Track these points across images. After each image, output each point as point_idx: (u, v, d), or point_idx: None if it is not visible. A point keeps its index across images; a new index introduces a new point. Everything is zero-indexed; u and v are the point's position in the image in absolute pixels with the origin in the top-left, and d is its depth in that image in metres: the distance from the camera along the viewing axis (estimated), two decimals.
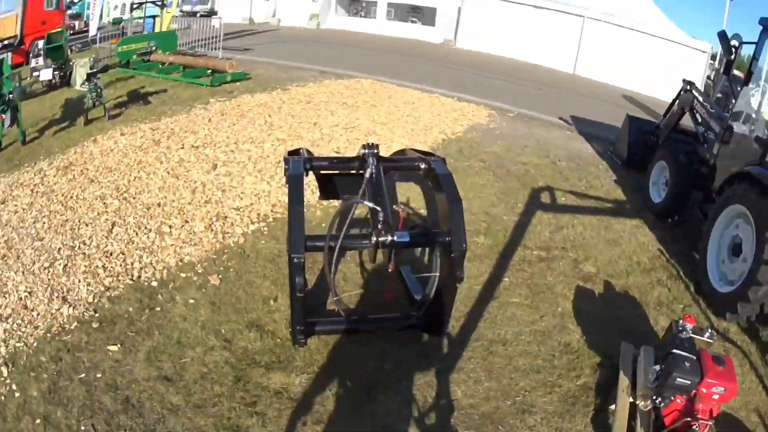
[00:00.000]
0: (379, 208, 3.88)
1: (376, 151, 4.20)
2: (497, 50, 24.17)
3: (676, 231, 7.24)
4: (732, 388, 3.64)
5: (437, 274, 4.37)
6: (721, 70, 8.66)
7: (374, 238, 3.86)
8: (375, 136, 9.14)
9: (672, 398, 3.68)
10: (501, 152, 8.68)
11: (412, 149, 5.31)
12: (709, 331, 4.06)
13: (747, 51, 7.13)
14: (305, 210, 3.83)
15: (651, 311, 5.42)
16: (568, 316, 5.04)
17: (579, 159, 9.30)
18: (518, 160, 8.55)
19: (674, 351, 3.66)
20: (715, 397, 3.65)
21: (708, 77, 18.98)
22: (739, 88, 6.71)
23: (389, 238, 3.84)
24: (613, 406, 4.02)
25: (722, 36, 6.72)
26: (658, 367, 3.75)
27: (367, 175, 4.10)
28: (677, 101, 8.22)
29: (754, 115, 6.32)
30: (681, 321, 3.98)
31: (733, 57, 6.78)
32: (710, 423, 3.67)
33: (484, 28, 25.18)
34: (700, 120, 7.48)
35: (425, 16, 29.66)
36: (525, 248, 6.09)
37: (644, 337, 4.83)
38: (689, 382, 3.57)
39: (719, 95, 8.13)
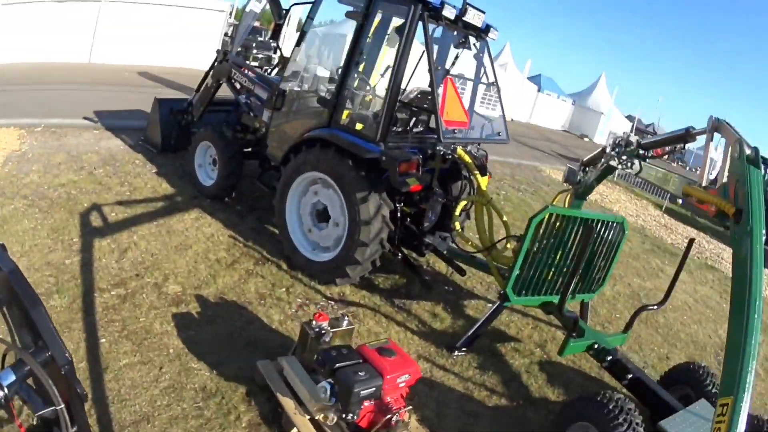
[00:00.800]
0: None
1: None
2: None
3: (239, 209, 7.11)
4: (413, 369, 3.86)
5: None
6: (269, 35, 8.78)
7: None
8: None
9: (361, 407, 3.67)
10: (39, 180, 7.08)
11: None
12: (345, 318, 4.19)
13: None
14: None
15: (259, 310, 5.18)
16: (185, 355, 4.37)
17: (113, 160, 8.27)
18: (57, 183, 7.13)
19: (338, 366, 3.66)
20: (402, 385, 3.80)
21: (225, 34, 19.43)
22: (276, 46, 6.83)
23: None
24: (295, 430, 3.76)
25: (273, 1, 6.84)
26: (327, 385, 3.64)
27: None
28: (211, 73, 7.99)
29: (309, 76, 6.47)
30: (314, 323, 3.96)
31: (281, 22, 7.00)
32: (408, 407, 3.83)
33: None
34: (240, 88, 7.32)
35: None
36: (102, 292, 4.95)
37: (270, 345, 4.68)
38: (374, 389, 3.62)
39: (239, 49, 8.23)
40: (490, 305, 6.57)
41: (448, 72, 6.34)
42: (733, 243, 3.58)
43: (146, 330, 4.59)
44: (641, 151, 5.05)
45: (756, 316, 3.26)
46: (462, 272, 6.57)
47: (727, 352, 3.35)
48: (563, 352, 4.90)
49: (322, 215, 5.96)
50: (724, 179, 3.83)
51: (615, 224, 5.68)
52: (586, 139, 36.90)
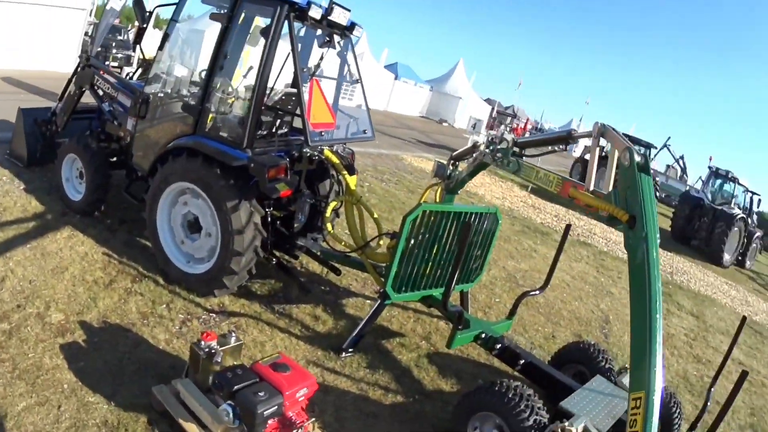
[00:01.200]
0: None
1: None
2: None
3: (109, 223, 6.67)
4: (310, 382, 3.83)
5: None
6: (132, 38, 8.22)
7: None
8: None
9: (266, 426, 3.60)
10: None
11: None
12: (233, 334, 4.04)
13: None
14: None
15: (144, 330, 4.83)
16: (80, 389, 3.96)
17: None
18: None
19: (237, 388, 3.59)
20: (301, 398, 3.79)
21: (86, 33, 18.06)
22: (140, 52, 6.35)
23: None
24: None
25: (137, 2, 6.34)
26: (228, 408, 3.55)
27: None
28: (73, 80, 7.36)
29: (173, 80, 6.14)
30: (203, 343, 3.83)
31: (145, 25, 6.49)
32: (311, 419, 3.83)
33: None
34: (103, 95, 6.92)
35: None
36: None
37: (160, 367, 4.41)
38: (275, 407, 3.61)
39: (99, 49, 7.59)
40: (369, 302, 6.67)
41: (313, 73, 6.25)
42: (628, 249, 3.81)
43: (37, 366, 4.17)
44: (516, 149, 5.04)
45: (657, 316, 3.57)
46: (337, 272, 6.55)
47: (633, 350, 3.67)
48: (451, 345, 4.99)
49: (193, 226, 5.69)
50: (610, 186, 4.00)
51: (488, 215, 5.92)
52: (445, 124, 38.39)
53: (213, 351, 3.78)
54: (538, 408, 4.12)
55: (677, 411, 5.23)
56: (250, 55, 6.37)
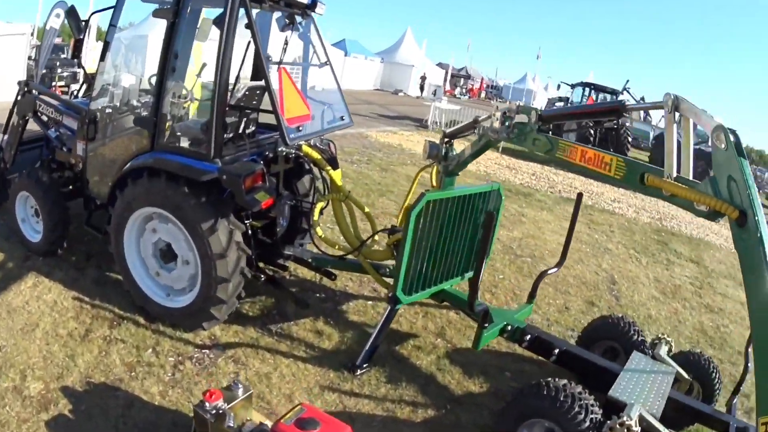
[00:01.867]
0: None
1: None
2: None
3: (74, 261, 6.02)
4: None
5: None
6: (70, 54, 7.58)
7: None
8: None
9: None
10: None
11: None
12: (239, 385, 3.46)
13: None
14: None
15: (133, 385, 4.23)
16: None
17: None
18: None
19: None
20: None
21: (29, 57, 17.09)
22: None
23: None
24: None
25: (70, 13, 5.69)
26: None
27: None
28: (15, 109, 6.67)
29: (120, 91, 5.51)
30: (207, 405, 3.29)
31: (82, 36, 5.83)
32: None
33: None
34: (48, 120, 6.29)
35: None
36: None
37: (161, 427, 3.88)
38: None
39: (44, 71, 7.00)
40: (371, 303, 6.22)
41: (280, 61, 5.63)
42: (741, 250, 3.10)
43: None
44: (541, 125, 4.21)
45: None
46: (332, 276, 6.02)
47: (759, 369, 3.04)
48: (479, 345, 4.57)
49: (167, 255, 5.08)
50: (690, 173, 3.36)
51: (493, 193, 5.49)
52: (401, 94, 38.43)
53: (221, 411, 3.24)
54: (592, 405, 3.75)
55: (717, 377, 4.99)
56: (202, 51, 5.77)
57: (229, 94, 5.11)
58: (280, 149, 5.19)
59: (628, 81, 25.17)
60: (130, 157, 5.07)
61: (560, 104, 24.76)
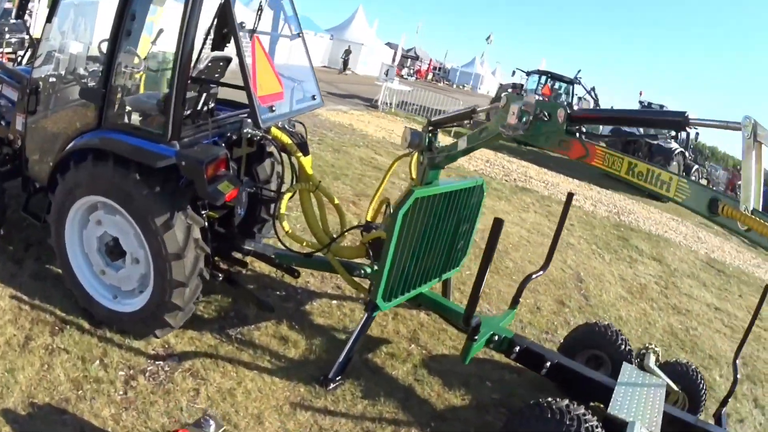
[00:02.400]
0: None
1: None
2: None
3: (11, 250, 5.28)
4: None
5: None
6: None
7: None
8: None
9: None
10: None
11: None
12: (210, 421, 3.05)
13: None
14: None
15: (82, 407, 3.66)
16: None
17: None
18: None
19: None
20: None
21: None
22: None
23: None
24: None
25: None
26: None
27: None
28: None
29: (66, 58, 4.82)
30: None
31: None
32: None
33: None
34: None
35: None
36: None
37: None
38: None
39: None
40: (336, 303, 5.78)
41: (254, 30, 4.93)
42: None
43: None
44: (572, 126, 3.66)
45: None
46: (296, 274, 5.43)
47: None
48: (467, 359, 4.24)
49: (114, 251, 4.46)
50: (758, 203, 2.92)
51: (476, 188, 5.17)
52: (348, 72, 37.82)
53: None
54: (596, 428, 3.50)
55: (703, 387, 4.95)
56: (165, 18, 5.13)
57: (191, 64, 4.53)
58: (245, 131, 4.57)
59: (579, 71, 25.34)
60: (74, 135, 4.41)
61: (511, 91, 24.75)
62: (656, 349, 5.03)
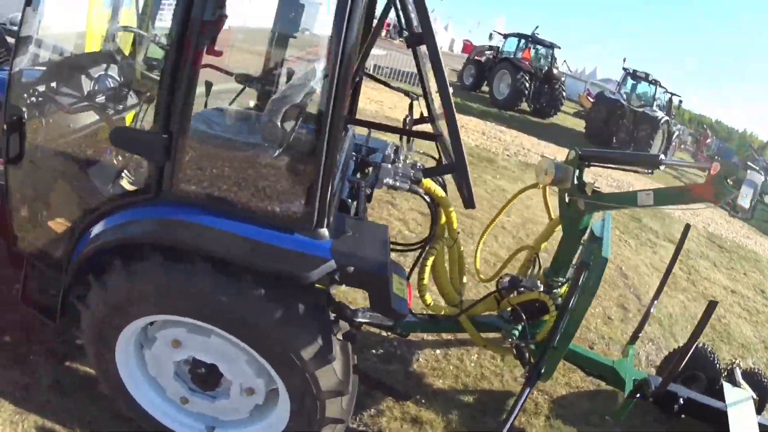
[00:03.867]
0: None
1: None
2: None
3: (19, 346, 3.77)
4: None
5: None
6: None
7: None
8: None
9: None
10: None
11: None
12: None
13: None
14: None
15: None
16: None
17: None
18: None
19: None
20: None
21: None
22: None
23: None
24: None
25: None
26: None
27: None
28: None
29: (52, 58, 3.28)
30: None
31: None
32: None
33: None
34: None
35: None
36: None
37: None
38: None
39: None
40: (438, 351, 5.17)
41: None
42: None
43: None
44: None
45: None
46: (404, 334, 4.55)
47: None
48: (622, 416, 4.20)
49: (206, 377, 3.10)
50: None
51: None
52: (306, 33, 36.43)
53: None
54: None
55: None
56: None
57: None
58: (385, 181, 3.25)
59: (537, 27, 25.00)
60: (106, 207, 2.91)
61: (489, 53, 24.26)
62: (740, 364, 5.20)
